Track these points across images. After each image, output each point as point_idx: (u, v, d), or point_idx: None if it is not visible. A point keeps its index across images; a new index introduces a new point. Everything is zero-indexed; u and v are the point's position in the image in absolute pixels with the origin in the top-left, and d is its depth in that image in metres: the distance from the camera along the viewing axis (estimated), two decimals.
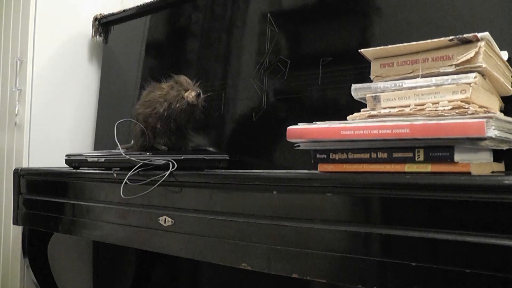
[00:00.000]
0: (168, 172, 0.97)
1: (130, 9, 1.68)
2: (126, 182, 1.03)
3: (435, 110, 0.74)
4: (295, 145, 0.86)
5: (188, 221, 0.95)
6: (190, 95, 1.15)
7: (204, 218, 0.93)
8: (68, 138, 1.69)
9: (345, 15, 1.17)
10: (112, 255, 1.74)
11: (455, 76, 0.76)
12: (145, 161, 1.04)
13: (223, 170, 1.08)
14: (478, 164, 0.73)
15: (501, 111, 0.86)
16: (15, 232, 1.53)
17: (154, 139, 1.18)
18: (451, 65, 0.78)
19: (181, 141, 1.21)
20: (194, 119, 1.21)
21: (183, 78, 1.19)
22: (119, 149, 1.11)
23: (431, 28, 1.01)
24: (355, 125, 0.77)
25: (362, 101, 0.87)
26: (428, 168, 0.72)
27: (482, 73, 0.77)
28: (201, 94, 1.17)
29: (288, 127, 0.85)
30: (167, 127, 1.16)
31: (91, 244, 1.76)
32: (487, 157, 0.79)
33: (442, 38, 0.78)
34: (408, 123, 0.73)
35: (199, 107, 1.19)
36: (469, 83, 0.74)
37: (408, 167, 0.74)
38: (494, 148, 0.75)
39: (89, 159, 1.23)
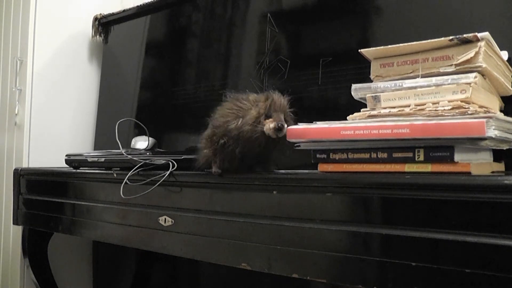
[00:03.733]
0: (168, 172, 0.97)
1: (130, 9, 1.68)
2: (126, 182, 1.03)
3: (435, 110, 0.74)
4: (295, 145, 0.86)
5: (188, 221, 0.95)
6: (268, 125, 0.87)
7: (204, 218, 0.92)
8: (68, 138, 1.69)
9: (345, 15, 1.17)
10: (112, 255, 1.74)
11: (455, 76, 0.76)
12: (145, 161, 1.04)
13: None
14: (478, 164, 0.73)
15: (501, 111, 0.86)
16: (15, 232, 1.53)
17: (213, 156, 0.93)
18: (451, 65, 0.78)
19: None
20: (274, 155, 0.92)
21: (276, 97, 0.90)
22: (119, 149, 1.11)
23: (431, 28, 1.01)
24: (355, 125, 0.77)
25: (362, 101, 0.87)
26: (428, 168, 0.72)
27: (482, 73, 0.77)
28: (284, 129, 0.85)
29: (288, 127, 0.85)
30: (232, 149, 0.90)
31: (91, 244, 1.76)
32: (487, 157, 0.79)
33: (442, 38, 0.78)
34: (408, 123, 0.73)
35: (284, 143, 0.88)
36: (469, 83, 0.74)
37: (408, 167, 0.73)
38: (494, 148, 0.75)
39: (89, 159, 1.23)
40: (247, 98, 0.92)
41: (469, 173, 0.69)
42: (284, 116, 0.89)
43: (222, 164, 0.92)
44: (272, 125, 0.86)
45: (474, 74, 0.75)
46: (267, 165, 0.93)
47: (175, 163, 1.00)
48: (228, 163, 0.91)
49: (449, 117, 0.72)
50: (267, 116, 0.88)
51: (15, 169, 1.44)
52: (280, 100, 0.90)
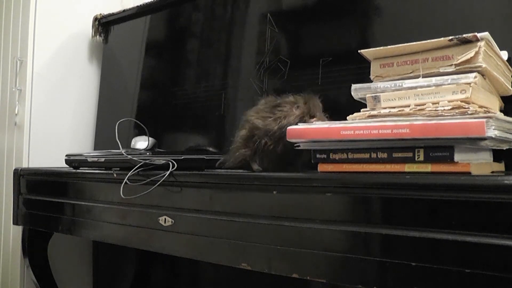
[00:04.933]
0: (168, 172, 0.97)
1: (130, 9, 1.68)
2: (126, 182, 1.03)
3: (435, 110, 0.74)
4: (295, 145, 0.86)
5: (188, 221, 0.95)
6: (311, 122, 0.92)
7: (204, 218, 0.93)
8: (68, 138, 1.69)
9: (345, 15, 1.17)
10: (112, 255, 1.74)
11: (455, 76, 0.76)
12: (145, 161, 1.04)
13: (223, 170, 1.08)
14: (478, 164, 0.73)
15: (501, 111, 0.86)
16: (15, 232, 1.53)
17: (253, 155, 0.97)
18: (451, 65, 0.78)
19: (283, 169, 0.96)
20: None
21: (315, 101, 0.97)
22: (119, 149, 1.11)
23: (431, 28, 1.01)
24: (355, 125, 0.77)
25: (362, 101, 0.87)
26: (428, 168, 0.72)
27: (482, 73, 0.77)
28: None
29: (288, 127, 0.85)
30: (273, 148, 0.95)
31: (91, 244, 1.76)
32: (487, 157, 0.79)
33: (442, 38, 0.78)
34: (408, 123, 0.73)
35: None
36: (469, 83, 0.74)
37: (408, 167, 0.74)
38: (494, 148, 0.75)
39: (89, 159, 1.23)
40: (284, 101, 0.97)
41: (469, 173, 0.69)
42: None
43: (262, 163, 0.97)
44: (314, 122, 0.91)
45: (474, 74, 0.75)
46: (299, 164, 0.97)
47: (175, 163, 1.00)
48: (268, 162, 0.96)
49: (449, 117, 0.72)
50: (312, 116, 0.94)
51: (15, 169, 1.44)
52: (319, 101, 0.97)
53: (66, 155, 1.31)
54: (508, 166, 0.84)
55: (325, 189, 0.77)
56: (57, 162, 1.46)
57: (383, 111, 0.80)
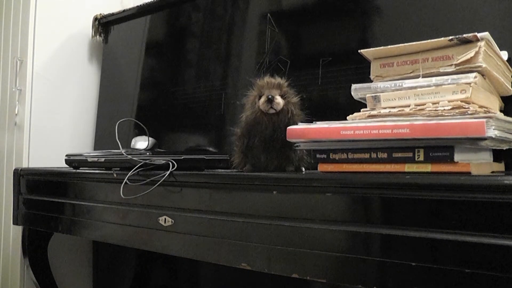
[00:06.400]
0: (168, 172, 0.97)
1: (130, 9, 1.68)
2: (126, 182, 1.03)
3: (435, 110, 0.74)
4: (295, 145, 0.86)
5: (188, 221, 0.95)
6: (260, 101, 0.91)
7: (204, 218, 0.93)
8: (68, 138, 1.69)
9: (345, 15, 1.17)
10: (112, 255, 1.74)
11: (455, 76, 0.76)
12: (145, 161, 1.04)
13: (223, 170, 1.08)
14: (478, 164, 0.73)
15: (501, 111, 0.86)
16: (15, 232, 1.53)
17: (244, 156, 0.97)
18: (451, 65, 0.78)
19: (276, 160, 0.94)
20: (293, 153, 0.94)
21: (265, 80, 0.94)
22: (119, 149, 1.11)
23: (431, 28, 1.01)
24: (355, 125, 0.77)
25: (362, 101, 0.87)
26: (428, 168, 0.72)
27: (482, 73, 0.77)
28: (275, 99, 0.90)
29: (288, 127, 0.85)
30: (252, 142, 0.94)
31: (91, 244, 1.76)
32: (487, 157, 0.79)
33: (442, 38, 0.78)
34: (408, 123, 0.73)
35: (290, 115, 0.91)
36: (469, 83, 0.74)
37: (408, 167, 0.73)
38: (494, 148, 0.75)
39: (89, 159, 1.23)
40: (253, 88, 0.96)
41: (469, 173, 0.69)
42: (281, 93, 0.93)
43: (250, 161, 0.96)
44: (262, 99, 0.91)
45: (474, 74, 0.75)
46: (289, 163, 0.95)
47: (175, 163, 1.00)
48: (254, 160, 0.95)
49: (449, 117, 0.72)
50: (260, 96, 0.92)
51: (15, 169, 1.44)
52: (273, 79, 0.94)
53: (66, 155, 1.31)
54: (508, 166, 0.84)
55: (325, 189, 0.77)
56: (57, 162, 1.46)
57: (383, 111, 0.80)
